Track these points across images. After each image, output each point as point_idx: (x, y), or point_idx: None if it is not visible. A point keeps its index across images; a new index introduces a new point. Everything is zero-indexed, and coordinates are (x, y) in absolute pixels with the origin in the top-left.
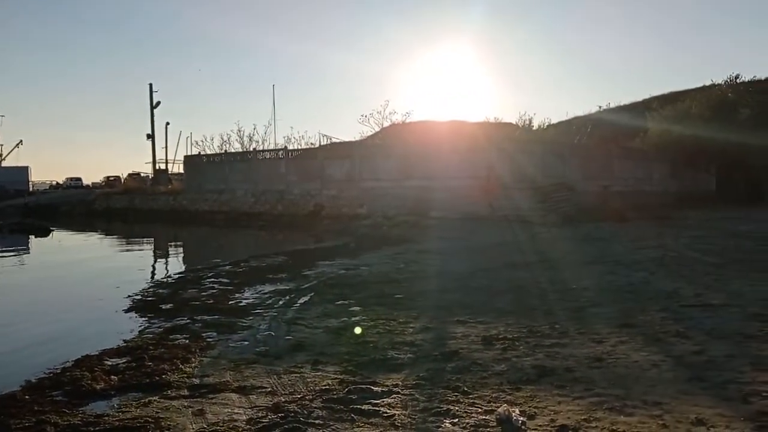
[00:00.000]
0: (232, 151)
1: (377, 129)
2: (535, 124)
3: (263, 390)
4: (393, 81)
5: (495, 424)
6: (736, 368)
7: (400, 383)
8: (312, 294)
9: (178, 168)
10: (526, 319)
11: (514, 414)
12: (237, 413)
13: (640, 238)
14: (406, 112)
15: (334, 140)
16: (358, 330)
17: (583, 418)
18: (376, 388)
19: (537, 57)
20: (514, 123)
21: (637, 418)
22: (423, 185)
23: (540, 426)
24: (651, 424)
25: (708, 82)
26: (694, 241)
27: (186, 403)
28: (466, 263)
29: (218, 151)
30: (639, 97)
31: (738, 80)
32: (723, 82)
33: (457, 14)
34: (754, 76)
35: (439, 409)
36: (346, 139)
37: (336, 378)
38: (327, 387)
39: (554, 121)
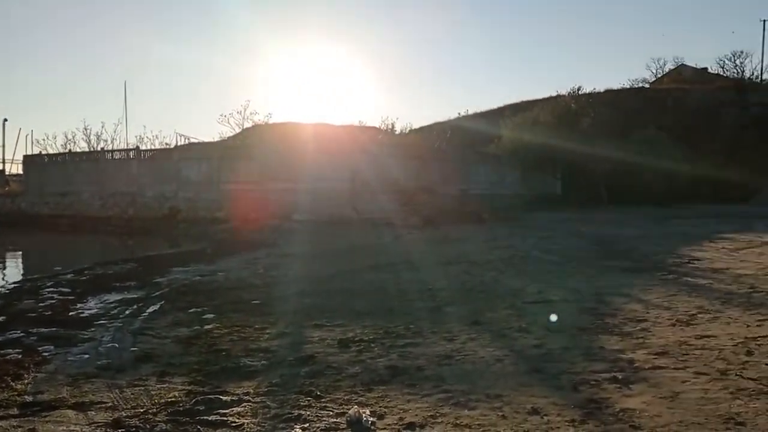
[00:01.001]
0: (78, 150)
1: (238, 130)
2: (398, 129)
3: (103, 405)
4: (255, 81)
5: (345, 426)
6: (569, 359)
7: (252, 391)
8: (162, 302)
9: (17, 168)
10: (383, 321)
11: (364, 415)
12: (73, 431)
13: (492, 239)
14: (268, 112)
15: (191, 140)
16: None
17: (430, 414)
18: (226, 398)
19: (401, 63)
20: (378, 127)
21: (480, 411)
22: (286, 188)
23: (389, 425)
24: (491, 416)
25: (554, 93)
26: (540, 242)
27: (15, 423)
28: (327, 266)
29: (62, 151)
30: (494, 105)
31: (580, 92)
32: (567, 94)
33: (321, 16)
34: (594, 89)
35: (290, 415)
36: (205, 140)
37: (183, 389)
38: (173, 399)
39: (416, 126)
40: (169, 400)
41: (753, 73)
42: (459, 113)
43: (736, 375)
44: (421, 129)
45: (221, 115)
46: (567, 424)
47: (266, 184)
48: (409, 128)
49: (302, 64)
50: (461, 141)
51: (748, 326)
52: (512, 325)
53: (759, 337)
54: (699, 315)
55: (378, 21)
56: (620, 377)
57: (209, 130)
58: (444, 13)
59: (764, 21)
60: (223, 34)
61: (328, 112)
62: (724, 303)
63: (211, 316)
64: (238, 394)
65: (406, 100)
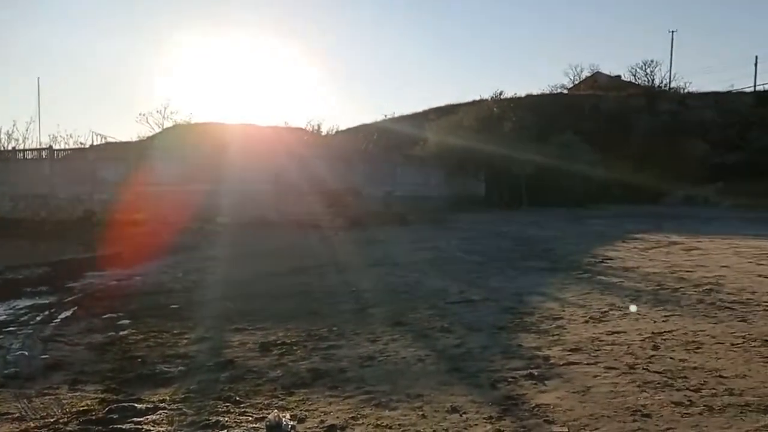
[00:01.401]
0: None
1: (158, 129)
2: (324, 130)
3: (10, 416)
4: (176, 80)
5: (265, 431)
6: (488, 358)
7: (168, 398)
8: (75, 308)
9: None
10: (306, 323)
11: (284, 419)
12: None
13: (417, 241)
14: (189, 112)
15: (108, 140)
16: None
17: (351, 416)
18: (141, 405)
19: (328, 65)
20: (304, 128)
21: (400, 411)
22: (209, 189)
23: (310, 428)
24: (411, 416)
25: (478, 98)
26: (463, 242)
27: None
28: (250, 269)
29: None
30: (420, 108)
31: (502, 97)
32: (490, 98)
33: (245, 15)
34: (515, 94)
35: (207, 422)
36: (123, 139)
37: (96, 398)
38: (85, 408)
39: (342, 127)
40: (81, 409)
41: (662, 82)
42: (385, 116)
43: (643, 369)
44: (348, 131)
45: (140, 114)
46: (485, 420)
47: (187, 185)
48: (335, 130)
49: (226, 64)
50: (387, 143)
51: (654, 322)
52: (434, 326)
53: (664, 332)
54: (610, 312)
55: (304, 22)
56: (536, 374)
57: (127, 130)
58: (369, 16)
59: (672, 32)
60: (142, 31)
61: (253, 112)
62: (634, 300)
63: (127, 321)
64: (153, 402)
65: (333, 101)
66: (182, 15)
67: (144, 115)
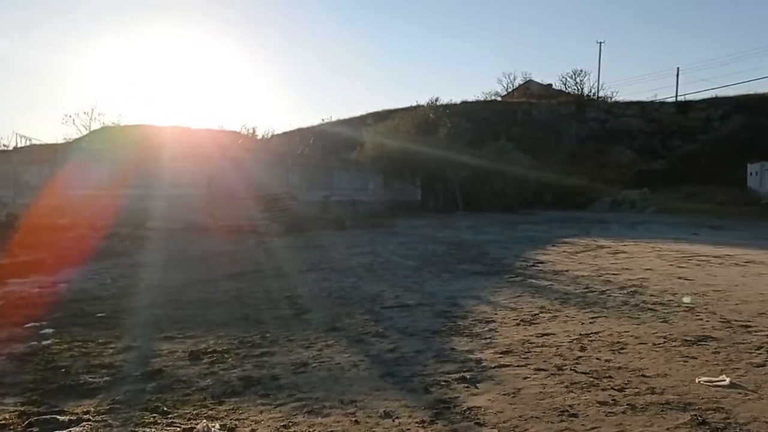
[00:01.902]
0: None
1: (85, 131)
2: (260, 134)
3: None
4: (104, 81)
5: None
6: (422, 362)
7: (92, 409)
8: None
9: None
10: (238, 330)
11: (213, 429)
12: None
13: (354, 246)
14: (118, 114)
15: (33, 142)
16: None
17: (282, 424)
18: (63, 418)
19: (263, 68)
20: (239, 131)
21: (333, 417)
22: (139, 194)
23: None
24: (344, 422)
25: (414, 103)
26: (399, 247)
27: None
28: (181, 276)
29: None
30: (357, 112)
31: (438, 102)
32: (426, 104)
33: (179, 17)
34: (450, 100)
35: None
36: (48, 142)
37: (16, 410)
38: (4, 421)
39: (278, 131)
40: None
41: (591, 91)
42: (323, 120)
43: (571, 370)
44: (284, 134)
45: (66, 116)
46: (417, 425)
47: (116, 189)
48: (271, 133)
49: (158, 65)
50: (324, 147)
51: (582, 323)
52: (369, 330)
53: (591, 333)
54: (541, 314)
55: (240, 24)
56: (468, 377)
57: (53, 132)
58: (307, 20)
59: (600, 43)
60: (69, 31)
61: (187, 115)
62: (563, 303)
63: (50, 330)
64: (77, 414)
65: (269, 105)
66: (111, 14)
67: (70, 116)
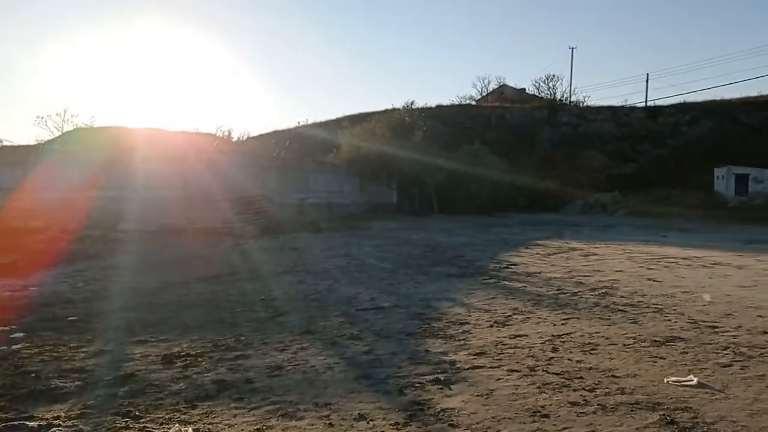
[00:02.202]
0: None
1: (57, 133)
2: (235, 136)
3: None
4: (78, 82)
5: None
6: (396, 364)
7: (63, 415)
8: None
9: None
10: (212, 334)
11: None
12: None
13: (330, 248)
14: (91, 115)
15: (5, 143)
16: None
17: (256, 428)
18: (33, 423)
19: (240, 70)
20: (214, 134)
21: (307, 420)
22: (112, 196)
23: None
24: (319, 425)
25: (390, 106)
26: (375, 250)
27: None
28: (155, 279)
29: None
30: (333, 115)
31: (413, 106)
32: (401, 107)
33: (150, 18)
34: (426, 104)
35: None
36: (20, 143)
37: None
38: None
39: (254, 134)
40: None
41: (563, 95)
42: (299, 122)
43: (543, 370)
44: (260, 137)
45: (38, 117)
46: (391, 427)
47: (89, 191)
48: (246, 136)
49: (133, 67)
50: (301, 150)
51: (554, 325)
52: (344, 333)
53: (563, 334)
54: (514, 316)
55: (216, 27)
56: (442, 378)
57: (24, 133)
58: (282, 22)
59: (572, 49)
60: (41, 31)
61: (162, 117)
62: (536, 304)
63: (21, 335)
64: (47, 419)
65: (245, 107)
66: (85, 14)
67: (42, 118)
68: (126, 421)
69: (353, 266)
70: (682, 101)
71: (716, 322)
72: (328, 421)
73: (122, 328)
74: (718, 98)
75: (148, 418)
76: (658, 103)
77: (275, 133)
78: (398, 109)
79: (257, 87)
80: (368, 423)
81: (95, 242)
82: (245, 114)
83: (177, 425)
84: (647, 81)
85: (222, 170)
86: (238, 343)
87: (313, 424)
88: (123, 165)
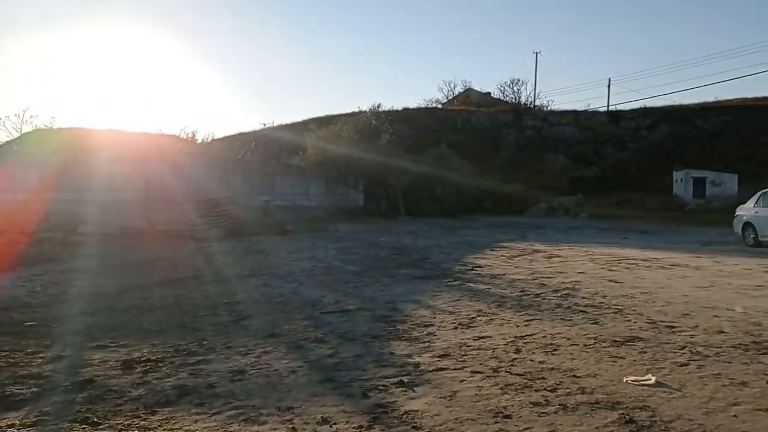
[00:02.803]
0: None
1: (16, 134)
2: (200, 138)
3: None
4: (38, 82)
5: None
6: (361, 367)
7: (18, 422)
8: None
9: None
10: (174, 338)
11: None
12: None
13: (295, 251)
14: (51, 116)
15: None
16: None
17: None
18: None
19: (204, 72)
20: (178, 135)
21: (269, 425)
22: (72, 198)
23: None
24: (281, 429)
25: (356, 109)
26: (340, 252)
27: None
28: (115, 282)
29: None
30: (299, 117)
31: (380, 109)
32: (368, 110)
33: (113, 18)
34: (392, 106)
35: None
36: None
37: None
38: None
39: (219, 136)
40: None
41: (528, 99)
42: (264, 124)
43: (506, 372)
44: (225, 138)
45: None
46: (354, 430)
47: (49, 193)
48: (211, 138)
49: (96, 68)
50: (266, 152)
51: (517, 326)
52: (308, 336)
53: (526, 335)
54: (478, 318)
55: (179, 27)
56: (406, 381)
57: None
58: (247, 23)
59: (537, 53)
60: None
61: (125, 119)
62: (500, 306)
63: None
64: (1, 427)
65: (210, 109)
66: (45, 13)
67: (0, 119)
68: (84, 428)
69: (319, 269)
70: (642, 106)
71: (674, 322)
72: (290, 426)
73: (81, 332)
74: (677, 103)
75: (106, 425)
76: (620, 107)
77: (240, 135)
78: (365, 112)
79: (222, 88)
80: (331, 427)
81: (54, 245)
82: (210, 116)
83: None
84: (609, 86)
85: (186, 172)
86: (200, 348)
87: (275, 429)
88: (83, 167)
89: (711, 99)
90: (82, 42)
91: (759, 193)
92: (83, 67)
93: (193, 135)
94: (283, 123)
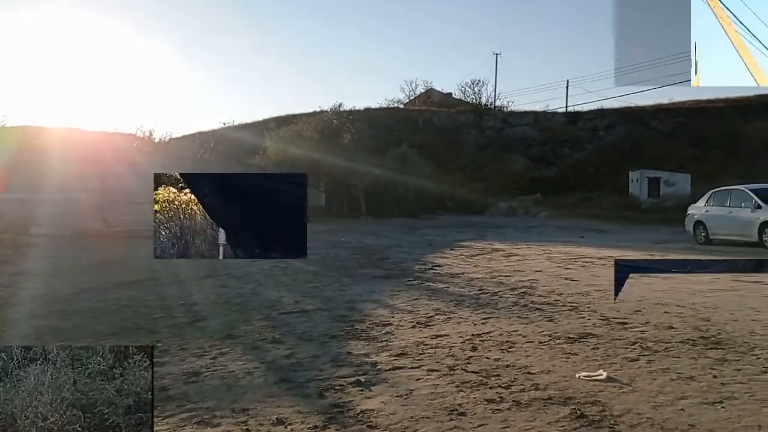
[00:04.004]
0: None
1: None
2: (157, 137)
3: None
4: None
5: None
6: (318, 367)
7: None
8: None
9: None
10: (128, 341)
11: None
12: None
13: None
14: (2, 115)
15: None
16: None
17: None
18: None
19: (160, 69)
20: (134, 134)
21: (223, 427)
22: (23, 198)
23: None
24: (235, 431)
25: (318, 108)
26: None
27: None
28: (68, 284)
29: None
30: (259, 116)
31: (341, 109)
32: (329, 110)
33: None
34: (354, 106)
35: None
36: None
37: None
38: None
39: (177, 135)
40: None
41: (488, 100)
42: (224, 123)
43: (462, 369)
44: (184, 138)
45: None
46: (310, 430)
47: None
48: (169, 137)
49: (49, 65)
50: (226, 151)
51: (475, 324)
52: (265, 337)
53: (483, 333)
54: (436, 316)
55: (136, 24)
56: (363, 380)
57: None
58: (206, 20)
59: (497, 54)
60: None
61: (79, 118)
62: (458, 304)
63: None
64: None
65: (167, 108)
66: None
67: None
68: None
69: (278, 269)
70: (599, 107)
71: (626, 318)
72: (245, 427)
73: (31, 336)
74: (633, 105)
75: None
76: (578, 108)
77: (199, 134)
78: (326, 112)
79: (180, 87)
80: (286, 427)
81: (5, 247)
82: (167, 115)
83: None
84: (567, 87)
85: (142, 172)
86: (155, 350)
87: (229, 431)
88: (36, 166)
89: (665, 101)
90: (34, 38)
91: (709, 193)
92: (34, 63)
93: (151, 134)
94: (244, 122)
